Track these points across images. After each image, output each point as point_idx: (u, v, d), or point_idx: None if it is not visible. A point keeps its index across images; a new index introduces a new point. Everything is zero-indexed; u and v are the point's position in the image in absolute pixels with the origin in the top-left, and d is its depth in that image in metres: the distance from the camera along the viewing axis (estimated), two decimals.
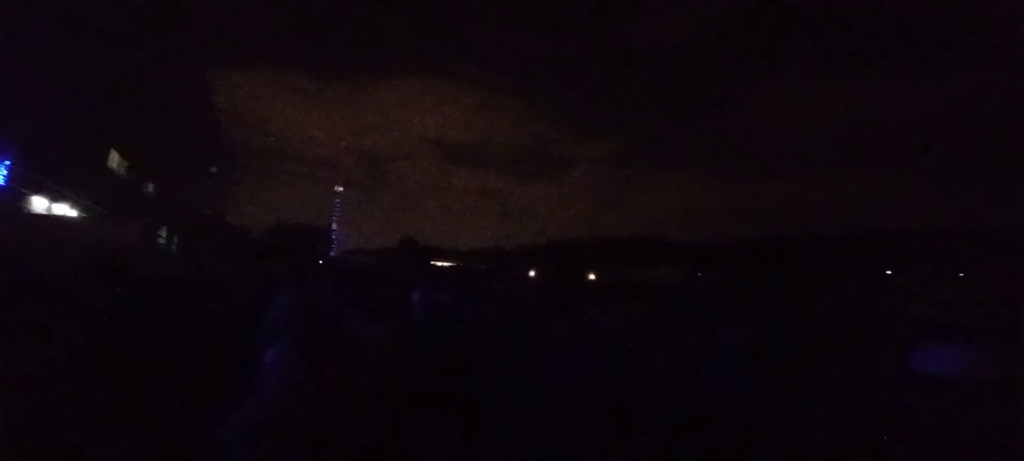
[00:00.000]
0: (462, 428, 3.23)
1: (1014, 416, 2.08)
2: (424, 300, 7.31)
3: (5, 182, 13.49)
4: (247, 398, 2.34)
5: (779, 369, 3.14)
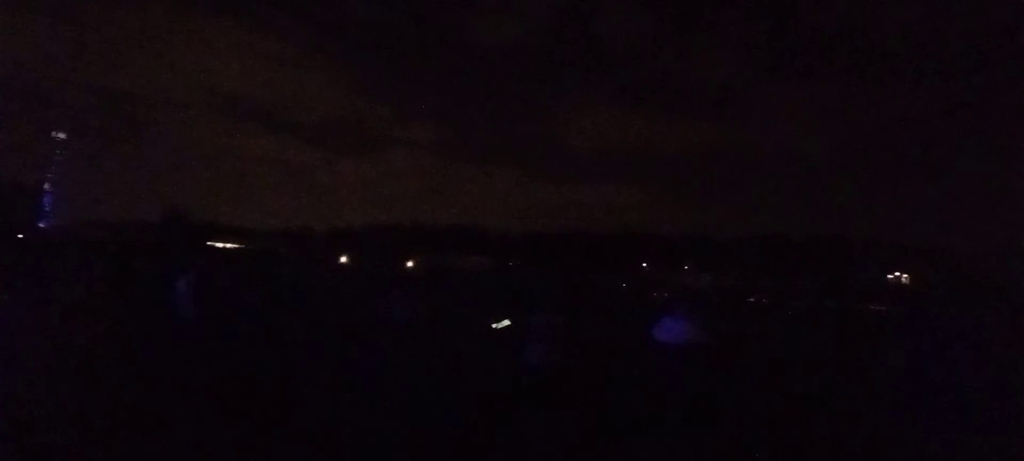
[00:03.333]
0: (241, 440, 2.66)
1: (718, 367, 3.07)
2: (196, 288, 5.75)
3: None
4: None
5: (573, 342, 3.73)
